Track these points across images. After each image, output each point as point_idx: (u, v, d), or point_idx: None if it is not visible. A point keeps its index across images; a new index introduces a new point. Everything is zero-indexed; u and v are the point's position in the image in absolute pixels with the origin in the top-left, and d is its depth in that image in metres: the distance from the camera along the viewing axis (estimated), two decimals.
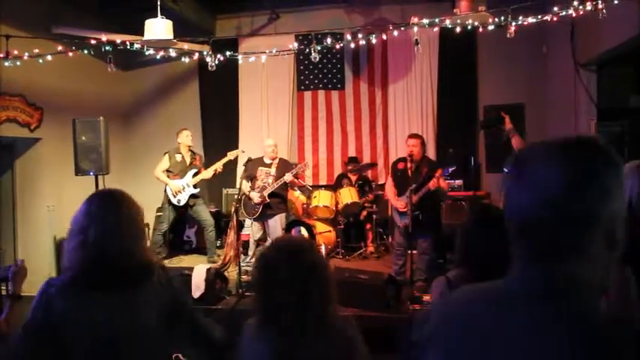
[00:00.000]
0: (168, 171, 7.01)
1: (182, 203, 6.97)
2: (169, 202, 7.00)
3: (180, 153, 7.10)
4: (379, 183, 8.10)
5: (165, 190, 7.03)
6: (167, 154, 7.08)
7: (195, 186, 7.02)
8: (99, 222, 1.92)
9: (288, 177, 6.50)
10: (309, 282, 1.73)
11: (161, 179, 6.97)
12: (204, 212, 7.23)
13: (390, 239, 7.36)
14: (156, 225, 7.70)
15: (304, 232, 6.89)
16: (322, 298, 1.76)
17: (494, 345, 1.01)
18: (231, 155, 7.08)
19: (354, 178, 7.79)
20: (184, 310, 2.09)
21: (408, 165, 5.69)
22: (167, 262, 7.13)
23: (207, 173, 7.05)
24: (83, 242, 1.89)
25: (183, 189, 6.95)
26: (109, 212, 1.96)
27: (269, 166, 6.72)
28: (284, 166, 6.76)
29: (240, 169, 7.26)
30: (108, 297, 1.88)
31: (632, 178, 2.47)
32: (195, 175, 7.03)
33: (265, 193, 6.52)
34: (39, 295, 1.91)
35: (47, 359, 1.89)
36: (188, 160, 7.11)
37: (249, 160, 6.57)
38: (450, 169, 5.68)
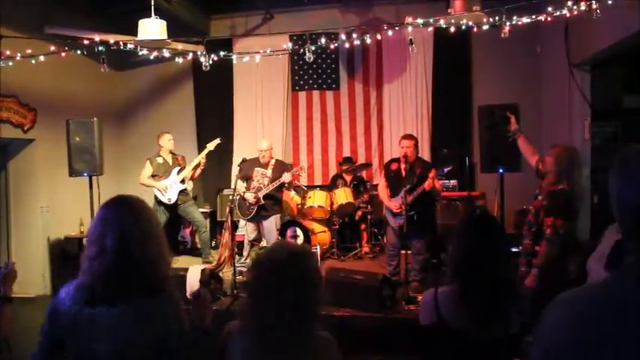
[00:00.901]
0: (153, 175, 7.02)
1: (173, 200, 6.96)
2: (160, 203, 6.98)
3: (161, 156, 7.11)
4: (374, 183, 8.09)
5: (154, 194, 7.03)
6: (148, 160, 7.10)
7: (182, 182, 7.01)
8: (114, 224, 1.85)
9: (287, 177, 6.48)
10: (300, 292, 1.73)
11: (147, 184, 6.97)
12: (195, 212, 7.23)
13: (384, 240, 7.36)
14: None
15: (299, 232, 6.90)
16: (308, 311, 1.75)
17: (610, 346, 1.01)
18: (210, 146, 7.08)
19: (348, 178, 7.79)
20: (177, 342, 1.93)
21: (402, 166, 5.69)
22: None
23: (189, 168, 7.07)
24: (101, 250, 1.82)
25: (170, 187, 6.95)
26: (126, 216, 1.89)
27: (265, 167, 6.68)
28: (280, 167, 6.72)
29: (235, 170, 7.24)
30: (119, 307, 1.82)
31: None
32: (179, 171, 7.04)
33: (260, 195, 6.50)
34: (47, 313, 1.90)
35: None
36: (170, 161, 7.12)
37: (244, 160, 6.54)
38: (446, 169, 5.68)
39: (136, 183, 7.04)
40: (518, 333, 2.08)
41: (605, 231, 2.95)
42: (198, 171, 7.17)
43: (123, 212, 1.90)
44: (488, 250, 2.12)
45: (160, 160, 7.08)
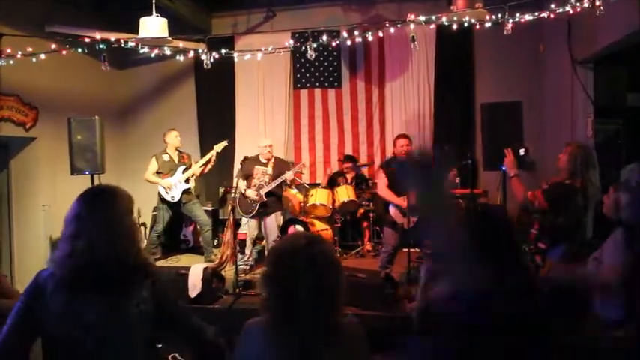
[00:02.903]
0: (158, 173, 7.00)
1: (176, 199, 6.95)
2: (163, 201, 6.98)
3: (167, 153, 7.09)
4: (376, 181, 8.08)
5: (158, 191, 7.02)
6: (154, 157, 7.07)
7: (187, 181, 7.00)
8: (87, 226, 1.90)
9: (289, 175, 6.52)
10: (326, 270, 1.71)
11: (152, 181, 6.96)
12: (198, 210, 7.22)
13: None
14: (152, 225, 7.68)
15: (300, 229, 6.89)
16: (336, 293, 1.73)
17: None
18: (217, 148, 7.09)
19: (349, 176, 7.77)
20: (177, 317, 2.08)
21: None
22: (164, 262, 7.13)
23: (196, 167, 7.06)
24: (73, 249, 1.87)
25: (175, 185, 6.94)
26: (98, 214, 1.93)
27: (265, 165, 6.70)
28: (280, 165, 6.75)
29: (237, 168, 7.24)
30: (95, 298, 1.87)
31: None
32: (185, 171, 7.02)
33: (262, 192, 6.51)
34: (31, 283, 1.94)
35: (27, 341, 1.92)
36: (176, 159, 7.10)
37: (246, 158, 6.55)
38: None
39: (137, 181, 7.04)
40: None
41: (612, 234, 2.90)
42: (209, 167, 7.18)
43: (95, 211, 1.94)
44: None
45: (165, 157, 7.06)
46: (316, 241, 1.80)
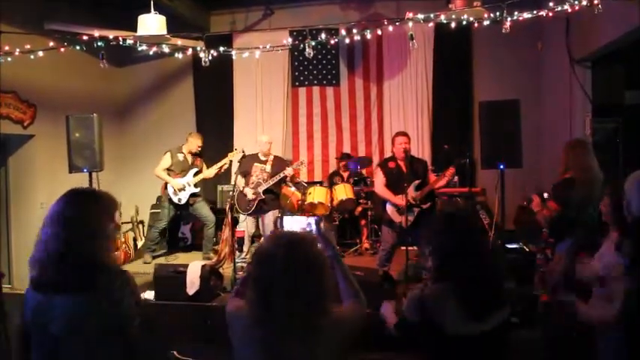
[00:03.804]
0: (169, 170, 6.96)
1: (183, 202, 6.93)
2: (170, 201, 6.96)
3: (183, 153, 7.05)
4: (374, 179, 8.09)
5: (166, 188, 6.99)
6: (169, 153, 7.02)
7: (195, 185, 6.99)
8: (58, 228, 1.95)
9: (289, 171, 6.56)
10: (304, 273, 1.71)
11: (162, 177, 6.92)
12: (204, 209, 7.21)
13: None
14: (152, 222, 7.66)
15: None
16: (316, 291, 1.73)
17: None
18: (231, 156, 7.06)
19: (345, 174, 7.78)
20: (125, 324, 2.00)
21: (401, 163, 5.69)
22: (163, 259, 7.12)
23: (209, 172, 7.03)
24: (44, 250, 1.94)
25: (184, 187, 6.91)
26: (67, 216, 1.98)
27: (264, 162, 6.71)
28: (279, 162, 6.78)
29: (235, 166, 7.24)
30: (64, 298, 1.90)
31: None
32: (196, 174, 7.00)
33: (260, 190, 6.53)
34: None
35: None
36: (190, 161, 7.07)
37: (244, 156, 6.56)
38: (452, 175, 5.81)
39: (136, 178, 7.03)
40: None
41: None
42: (221, 170, 7.14)
43: (66, 217, 1.98)
44: (466, 246, 2.16)
45: (180, 156, 7.00)
46: (299, 242, 1.78)
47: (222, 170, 7.13)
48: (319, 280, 1.75)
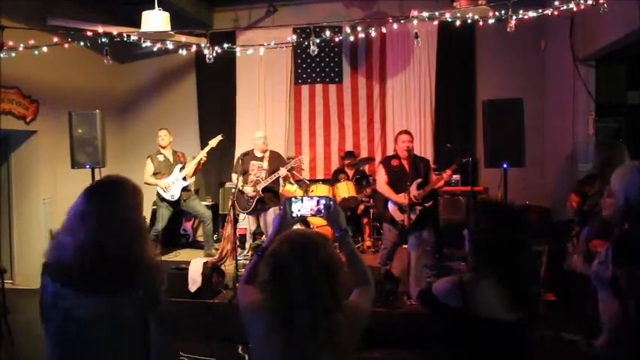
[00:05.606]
0: (155, 174, 6.99)
1: (176, 197, 6.93)
2: (162, 200, 6.97)
3: (162, 153, 7.08)
4: (376, 177, 8.08)
5: (157, 191, 7.01)
6: (149, 158, 7.07)
7: (184, 179, 7.00)
8: (79, 221, 1.89)
9: (282, 172, 6.51)
10: (322, 283, 1.70)
11: (151, 183, 6.93)
12: (198, 205, 7.23)
13: None
14: (150, 222, 7.68)
15: (300, 225, 6.89)
16: (334, 294, 1.72)
17: None
18: (212, 143, 7.04)
19: (350, 172, 7.77)
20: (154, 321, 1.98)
21: (404, 161, 5.68)
22: (163, 257, 7.12)
23: (192, 165, 7.02)
24: (61, 241, 1.87)
25: (172, 184, 6.93)
26: (100, 211, 1.91)
27: (261, 159, 6.70)
28: (276, 159, 6.76)
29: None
30: (84, 294, 1.84)
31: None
32: (181, 169, 7.02)
33: (259, 188, 6.53)
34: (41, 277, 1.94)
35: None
36: (171, 158, 7.10)
37: (243, 154, 6.56)
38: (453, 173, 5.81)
39: (138, 175, 7.02)
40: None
41: None
42: (199, 167, 7.16)
43: (98, 207, 1.92)
44: (507, 236, 2.19)
45: (160, 157, 7.05)
46: (313, 249, 1.76)
47: (205, 159, 7.07)
48: (336, 284, 1.74)
